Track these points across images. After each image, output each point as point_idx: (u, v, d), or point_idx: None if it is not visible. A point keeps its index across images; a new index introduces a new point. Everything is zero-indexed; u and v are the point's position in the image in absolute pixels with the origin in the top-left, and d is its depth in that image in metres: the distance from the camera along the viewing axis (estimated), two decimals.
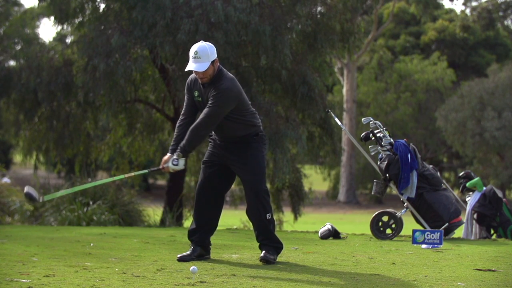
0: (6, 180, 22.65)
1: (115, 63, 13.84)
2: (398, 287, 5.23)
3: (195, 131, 6.21)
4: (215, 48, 6.24)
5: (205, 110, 6.19)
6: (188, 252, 6.51)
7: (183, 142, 6.24)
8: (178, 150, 6.25)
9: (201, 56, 6.11)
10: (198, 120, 6.25)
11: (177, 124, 6.44)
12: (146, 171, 6.68)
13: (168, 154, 6.32)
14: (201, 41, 6.31)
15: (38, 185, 15.78)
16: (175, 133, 6.44)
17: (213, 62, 6.16)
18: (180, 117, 6.47)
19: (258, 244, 6.52)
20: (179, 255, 6.49)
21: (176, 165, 6.26)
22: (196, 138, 6.25)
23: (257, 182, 6.32)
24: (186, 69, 6.24)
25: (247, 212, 6.47)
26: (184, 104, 6.48)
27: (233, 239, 8.67)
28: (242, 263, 6.34)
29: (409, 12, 49.78)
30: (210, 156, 6.53)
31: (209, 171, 6.51)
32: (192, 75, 6.42)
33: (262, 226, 6.41)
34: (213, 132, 6.50)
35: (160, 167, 6.38)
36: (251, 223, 6.60)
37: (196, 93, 6.35)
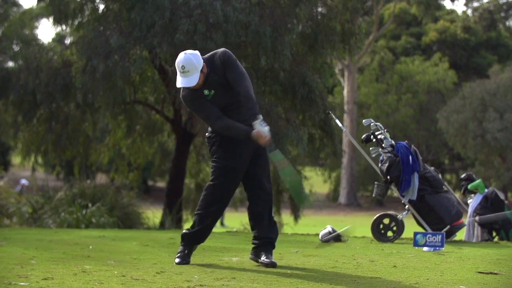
0: (24, 182, 22.77)
1: (114, 64, 13.79)
2: None
3: (249, 91, 5.91)
4: (199, 55, 5.98)
5: (237, 77, 5.97)
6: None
7: (250, 106, 5.86)
8: (254, 116, 5.85)
9: (189, 70, 5.88)
10: (242, 87, 5.94)
11: (222, 119, 6.00)
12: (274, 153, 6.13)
13: (253, 130, 5.86)
14: (183, 52, 6.00)
15: (35, 187, 15.78)
16: (230, 122, 5.98)
17: (201, 69, 5.93)
18: (216, 117, 6.02)
19: (257, 243, 6.30)
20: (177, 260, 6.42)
21: (266, 125, 5.92)
22: (253, 97, 5.92)
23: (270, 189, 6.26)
24: (178, 85, 5.97)
25: (252, 210, 6.25)
26: (207, 109, 6.06)
27: (233, 242, 8.64)
28: (242, 266, 6.29)
29: (410, 13, 49.85)
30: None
31: None
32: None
33: (269, 226, 6.27)
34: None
35: (264, 143, 5.93)
36: (249, 226, 6.50)
37: (205, 92, 6.05)
